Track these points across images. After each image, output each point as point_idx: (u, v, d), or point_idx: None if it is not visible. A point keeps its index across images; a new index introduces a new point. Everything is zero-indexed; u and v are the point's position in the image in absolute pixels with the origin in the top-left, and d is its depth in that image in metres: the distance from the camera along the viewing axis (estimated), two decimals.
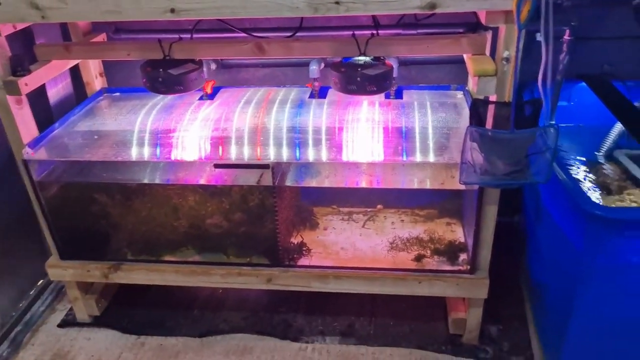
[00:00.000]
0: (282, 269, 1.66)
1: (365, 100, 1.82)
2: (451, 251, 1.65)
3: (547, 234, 1.60)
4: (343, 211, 1.89)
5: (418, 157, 1.60)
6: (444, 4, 1.20)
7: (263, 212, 1.61)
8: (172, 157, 1.63)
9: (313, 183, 1.69)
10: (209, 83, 1.79)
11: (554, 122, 1.80)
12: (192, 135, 1.70)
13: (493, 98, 1.38)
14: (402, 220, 1.83)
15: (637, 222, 1.23)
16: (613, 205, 1.63)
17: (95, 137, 1.70)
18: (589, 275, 1.33)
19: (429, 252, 1.67)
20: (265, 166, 1.52)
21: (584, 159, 1.92)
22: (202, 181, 1.67)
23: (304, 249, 1.71)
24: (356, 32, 1.62)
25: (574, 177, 1.34)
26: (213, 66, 1.77)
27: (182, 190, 1.68)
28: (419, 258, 1.65)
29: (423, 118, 1.72)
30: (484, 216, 1.52)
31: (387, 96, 1.80)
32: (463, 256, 1.64)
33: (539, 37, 1.81)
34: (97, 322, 1.91)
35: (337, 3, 1.22)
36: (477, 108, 1.33)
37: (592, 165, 1.89)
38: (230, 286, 1.71)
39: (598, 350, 1.46)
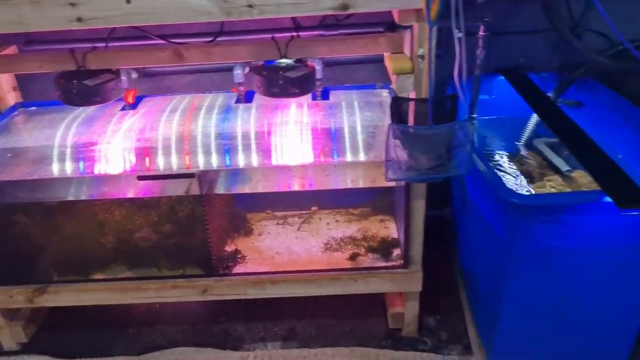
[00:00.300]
0: (217, 278, 1.63)
1: (293, 102, 1.82)
2: (384, 247, 1.67)
3: (473, 223, 1.65)
4: (278, 215, 1.88)
5: (348, 157, 1.61)
6: (356, 5, 1.22)
7: (193, 222, 1.58)
8: (95, 172, 1.57)
9: (245, 189, 1.67)
10: (130, 92, 1.73)
11: (475, 115, 1.86)
12: (115, 147, 1.64)
13: (412, 95, 1.40)
14: (337, 221, 1.84)
15: (552, 207, 1.28)
16: (532, 192, 1.71)
17: (9, 155, 1.61)
18: (512, 261, 1.38)
19: (363, 250, 1.68)
20: (190, 175, 1.49)
21: (507, 148, 2.00)
22: (129, 194, 1.62)
23: (239, 256, 1.69)
24: (278, 35, 1.61)
25: (493, 168, 1.38)
26: (134, 75, 1.72)
27: (108, 205, 1.62)
28: (353, 257, 1.67)
29: (350, 118, 1.74)
30: (412, 211, 1.54)
31: (314, 97, 1.80)
32: (396, 251, 1.67)
33: (457, 33, 1.89)
34: (26, 349, 1.81)
35: (250, 6, 1.21)
36: (397, 106, 1.35)
37: (515, 155, 1.97)
38: (165, 300, 1.66)
39: (529, 331, 1.52)
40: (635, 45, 1.79)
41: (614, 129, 1.75)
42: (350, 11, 1.22)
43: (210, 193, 1.56)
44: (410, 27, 1.38)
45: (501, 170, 1.89)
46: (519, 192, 1.34)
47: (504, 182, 1.33)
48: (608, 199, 1.22)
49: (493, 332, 1.56)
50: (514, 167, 1.92)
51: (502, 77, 1.95)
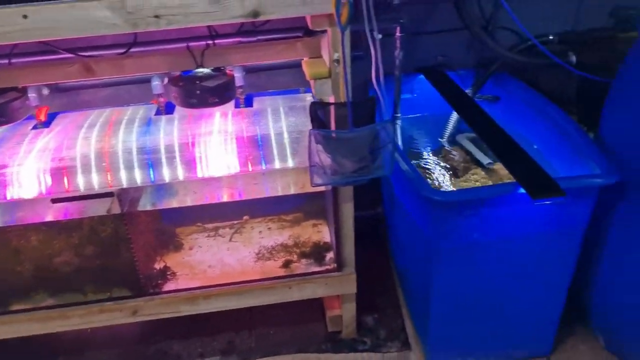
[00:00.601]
0: (147, 298, 1.57)
1: (216, 111, 1.78)
2: (317, 252, 1.67)
3: (401, 221, 1.68)
4: (209, 227, 1.84)
5: (277, 164, 1.60)
6: (266, 12, 1.20)
7: (117, 241, 1.52)
8: (7, 196, 1.48)
9: (171, 204, 1.62)
10: (41, 110, 1.64)
11: (399, 114, 1.90)
12: (28, 168, 1.55)
13: (332, 99, 1.41)
14: (270, 228, 1.82)
15: (470, 202, 1.32)
16: (455, 188, 1.76)
17: None
18: (437, 256, 1.42)
19: (295, 256, 1.68)
20: (109, 195, 1.43)
21: (433, 145, 2.06)
22: (46, 218, 1.53)
23: (169, 273, 1.64)
24: (196, 44, 1.57)
25: (417, 166, 1.41)
26: (45, 91, 1.63)
27: (23, 231, 1.53)
28: (286, 264, 1.65)
29: (276, 124, 1.72)
30: (341, 214, 1.55)
31: (237, 105, 1.78)
32: (330, 255, 1.67)
33: (377, 35, 1.91)
34: None
35: (157, 17, 1.17)
36: (316, 111, 1.35)
37: (440, 151, 2.02)
38: (93, 325, 1.58)
39: (460, 322, 1.57)
40: (541, 41, 1.89)
41: (528, 121, 1.83)
42: (261, 18, 1.21)
43: (132, 211, 1.50)
44: (326, 31, 1.38)
45: (428, 167, 1.94)
46: (440, 189, 1.36)
47: (426, 180, 1.35)
48: (522, 191, 1.28)
49: (426, 326, 1.59)
50: (441, 163, 1.97)
51: (422, 76, 2.00)
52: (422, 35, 2.01)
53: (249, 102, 1.82)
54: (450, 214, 1.34)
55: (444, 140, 1.99)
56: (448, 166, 1.94)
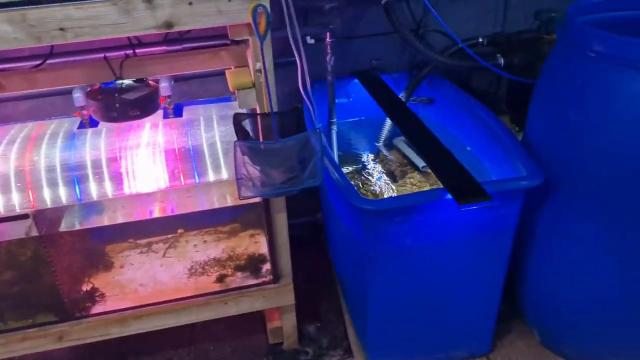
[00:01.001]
0: (74, 322, 1.50)
1: (145, 122, 1.72)
2: (253, 264, 1.63)
3: (337, 228, 1.67)
4: (141, 243, 1.77)
5: (210, 176, 1.56)
6: (180, 23, 1.16)
7: (37, 265, 1.43)
8: None
9: (100, 222, 1.56)
10: None
11: (335, 120, 1.88)
12: None
13: (257, 109, 1.38)
14: (205, 241, 1.76)
15: (401, 209, 1.32)
16: (394, 192, 1.76)
17: None
18: (371, 263, 1.41)
19: (230, 270, 1.63)
20: (23, 217, 1.34)
21: (372, 149, 2.05)
22: None
23: (97, 294, 1.57)
24: (116, 53, 1.50)
25: (345, 175, 1.39)
26: None
27: None
28: (221, 278, 1.61)
29: (208, 134, 1.67)
30: (274, 224, 1.52)
31: (166, 116, 1.72)
32: (266, 267, 1.63)
33: (310, 40, 1.89)
34: None
35: (62, 30, 1.11)
36: (240, 122, 1.32)
37: (378, 155, 2.02)
38: (16, 354, 1.50)
39: (398, 326, 1.57)
40: (471, 43, 1.91)
41: (461, 123, 1.85)
42: (176, 29, 1.16)
43: (53, 232, 1.42)
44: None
45: (368, 172, 1.93)
46: (379, 195, 1.35)
47: (355, 189, 1.34)
48: (450, 196, 1.28)
49: (365, 332, 1.58)
50: (379, 167, 1.97)
51: (357, 80, 1.99)
52: (356, 39, 2.00)
53: (178, 112, 1.76)
54: (380, 222, 1.33)
55: (380, 144, 1.99)
56: (385, 170, 1.95)
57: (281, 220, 1.52)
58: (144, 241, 1.79)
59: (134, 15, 1.13)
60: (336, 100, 2.03)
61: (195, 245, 1.76)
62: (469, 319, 1.61)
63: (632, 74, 1.19)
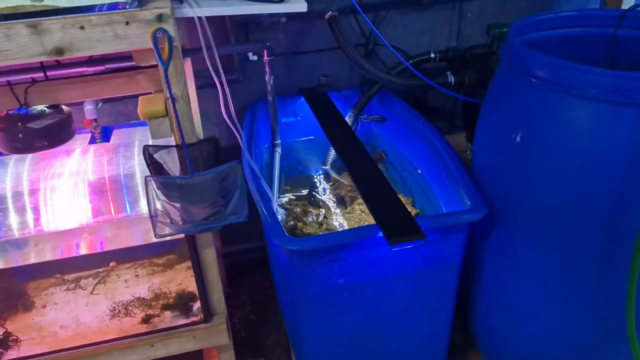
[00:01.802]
0: None
1: (72, 147, 1.60)
2: (183, 302, 1.51)
3: (274, 261, 1.55)
4: (69, 279, 1.64)
5: (143, 207, 1.45)
6: (72, 49, 1.04)
7: None
8: None
9: (20, 261, 1.44)
10: None
11: (278, 142, 1.77)
12: None
13: (173, 141, 1.26)
14: (138, 275, 1.64)
15: (329, 249, 1.20)
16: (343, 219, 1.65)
17: None
18: (302, 302, 1.30)
19: (158, 309, 1.51)
20: None
21: (323, 170, 1.94)
22: None
23: (11, 339, 1.44)
24: (22, 77, 1.37)
25: (273, 210, 1.27)
26: None
27: None
28: (147, 319, 1.49)
29: (140, 159, 1.55)
30: (203, 261, 1.40)
31: (93, 141, 1.60)
32: (198, 305, 1.51)
33: (252, 56, 1.77)
34: None
35: None
36: (151, 155, 1.20)
37: (329, 178, 1.91)
38: None
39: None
40: (423, 59, 1.81)
41: (413, 144, 1.74)
42: (67, 56, 1.04)
43: None
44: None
45: (315, 197, 1.82)
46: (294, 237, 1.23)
47: (280, 225, 1.22)
48: (381, 234, 1.17)
49: None
50: (329, 191, 1.86)
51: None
52: (303, 54, 1.89)
53: (106, 136, 1.64)
54: (307, 262, 1.22)
55: (328, 167, 1.88)
56: (335, 195, 1.84)
57: (209, 256, 1.40)
58: (72, 276, 1.67)
59: (17, 41, 1.01)
60: (283, 119, 1.92)
61: (126, 281, 1.63)
62: (417, 354, 1.51)
63: (570, 101, 1.09)
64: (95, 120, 1.57)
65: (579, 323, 1.27)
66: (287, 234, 1.21)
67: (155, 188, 1.20)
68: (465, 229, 1.29)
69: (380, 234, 1.17)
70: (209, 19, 1.73)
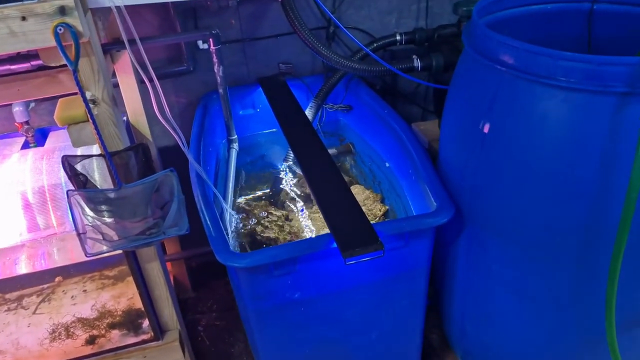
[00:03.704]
0: None
1: (7, 155, 1.46)
2: (130, 320, 1.39)
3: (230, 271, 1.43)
4: (10, 297, 1.51)
5: None
6: None
7: None
8: None
9: None
10: None
11: (235, 137, 1.63)
12: None
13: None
14: (86, 291, 1.51)
15: (280, 263, 1.08)
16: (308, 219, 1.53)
17: None
18: (258, 318, 1.19)
19: (104, 329, 1.39)
20: None
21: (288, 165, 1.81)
22: None
23: None
24: None
25: (218, 222, 1.14)
26: None
27: None
28: (91, 340, 1.37)
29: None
30: (147, 276, 1.28)
31: (27, 145, 1.46)
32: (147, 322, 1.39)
33: (202, 44, 1.62)
34: None
35: None
36: (71, 166, 1.06)
37: (296, 174, 1.78)
38: None
39: None
40: (389, 42, 1.67)
41: (380, 135, 1.62)
42: None
43: None
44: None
45: (278, 195, 1.69)
46: (238, 251, 1.10)
47: (226, 239, 1.10)
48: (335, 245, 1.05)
49: None
50: (295, 189, 1.72)
51: None
52: (260, 40, 1.74)
53: (41, 140, 1.50)
54: (258, 277, 1.10)
55: (290, 163, 1.74)
56: (301, 194, 1.70)
57: (154, 270, 1.28)
58: (14, 294, 1.53)
59: None
60: (241, 112, 1.79)
61: (73, 297, 1.50)
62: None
63: (539, 90, 0.96)
64: (27, 122, 1.43)
65: (557, 331, 1.16)
66: (237, 246, 1.09)
67: (81, 203, 1.07)
68: (431, 233, 1.17)
69: (335, 244, 1.05)
70: (150, 6, 1.60)
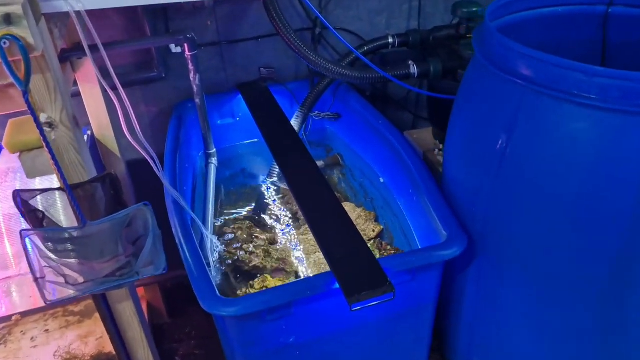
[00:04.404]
0: None
1: None
2: None
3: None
4: None
5: None
6: None
7: None
8: None
9: None
10: None
11: (214, 150, 1.48)
12: None
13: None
14: (47, 330, 1.35)
15: (272, 309, 0.94)
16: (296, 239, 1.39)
17: None
18: None
19: None
20: None
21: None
22: None
23: None
24: None
25: (200, 259, 1.00)
26: None
27: None
28: None
29: (40, 184, 1.25)
30: (119, 317, 1.12)
31: None
32: None
33: (175, 48, 1.45)
34: None
35: None
36: (25, 201, 0.90)
37: (280, 190, 1.63)
38: None
39: None
40: (381, 44, 1.53)
41: (372, 147, 1.49)
42: None
43: None
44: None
45: (270, 211, 1.55)
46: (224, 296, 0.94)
47: (212, 284, 0.95)
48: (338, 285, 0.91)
49: None
50: (279, 206, 1.58)
51: None
52: (240, 42, 1.58)
53: None
54: (248, 323, 0.96)
55: (275, 179, 1.60)
56: (288, 211, 1.56)
57: (127, 311, 1.12)
58: None
59: None
60: (219, 121, 1.63)
61: (33, 339, 1.34)
62: None
63: (567, 109, 0.84)
64: None
65: None
66: (220, 276, 0.94)
67: (38, 244, 0.91)
68: (440, 266, 1.05)
69: (337, 285, 0.92)
70: (117, 8, 1.43)
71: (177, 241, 1.06)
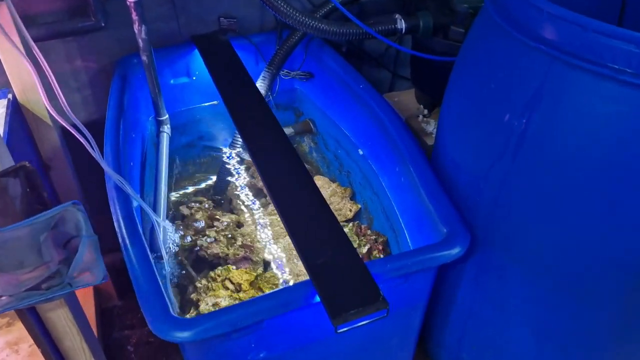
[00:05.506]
0: None
1: None
2: None
3: None
4: None
5: None
6: None
7: None
8: None
9: None
10: None
11: (166, 116, 1.26)
12: None
13: None
14: None
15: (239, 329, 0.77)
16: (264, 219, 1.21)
17: None
18: None
19: None
20: None
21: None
22: None
23: None
24: None
25: (151, 266, 0.81)
26: None
27: None
28: None
29: None
30: (53, 327, 0.93)
31: None
32: None
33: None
34: None
35: None
36: None
37: (243, 161, 1.43)
38: None
39: None
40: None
41: (349, 112, 1.30)
42: None
43: None
44: None
45: (225, 192, 1.35)
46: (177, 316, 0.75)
47: (165, 300, 0.77)
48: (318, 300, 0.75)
49: None
50: (247, 181, 1.39)
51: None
52: None
53: None
54: (210, 342, 0.79)
55: (239, 149, 1.40)
56: (250, 187, 1.37)
57: (62, 319, 0.93)
58: None
59: None
60: (172, 81, 1.40)
61: None
62: None
63: (620, 91, 0.68)
64: None
65: None
66: (175, 265, 0.76)
67: None
68: (433, 268, 0.90)
69: (318, 299, 0.75)
70: None
71: (120, 240, 0.86)
